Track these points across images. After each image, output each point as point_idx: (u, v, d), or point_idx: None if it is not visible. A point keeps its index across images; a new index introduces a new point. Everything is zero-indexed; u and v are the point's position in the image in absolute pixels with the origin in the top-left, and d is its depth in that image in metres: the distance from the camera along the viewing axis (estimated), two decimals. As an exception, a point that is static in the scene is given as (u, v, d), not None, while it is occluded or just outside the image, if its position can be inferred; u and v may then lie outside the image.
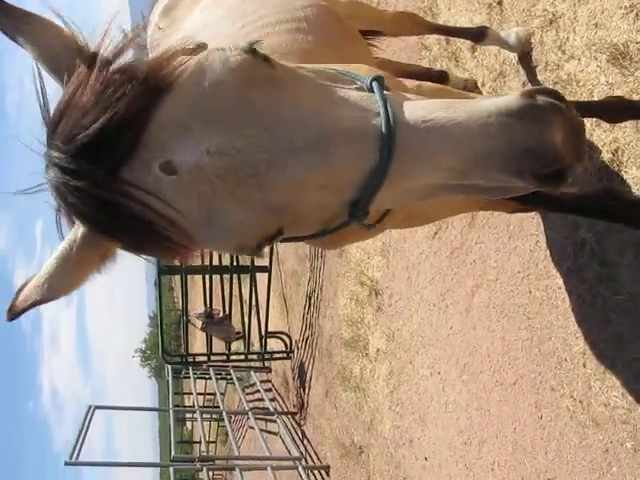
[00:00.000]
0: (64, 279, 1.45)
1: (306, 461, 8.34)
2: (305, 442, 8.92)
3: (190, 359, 11.97)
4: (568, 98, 3.43)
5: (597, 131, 3.31)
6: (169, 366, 11.78)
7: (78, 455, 7.47)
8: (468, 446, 4.61)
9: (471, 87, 4.32)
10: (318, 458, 8.30)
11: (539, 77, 3.74)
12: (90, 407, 8.76)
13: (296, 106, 1.33)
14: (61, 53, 1.43)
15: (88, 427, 8.25)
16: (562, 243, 3.55)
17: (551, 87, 1.39)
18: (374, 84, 1.45)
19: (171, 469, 7.76)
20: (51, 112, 1.36)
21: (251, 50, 1.36)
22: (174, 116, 1.29)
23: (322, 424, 8.16)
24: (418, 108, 1.36)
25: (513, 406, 4.07)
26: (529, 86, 3.78)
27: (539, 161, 1.29)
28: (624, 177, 3.15)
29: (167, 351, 11.21)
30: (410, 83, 2.49)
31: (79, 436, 7.83)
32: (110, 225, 1.35)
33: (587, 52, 3.36)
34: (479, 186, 1.39)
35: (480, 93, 4.24)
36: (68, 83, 1.37)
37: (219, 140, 1.28)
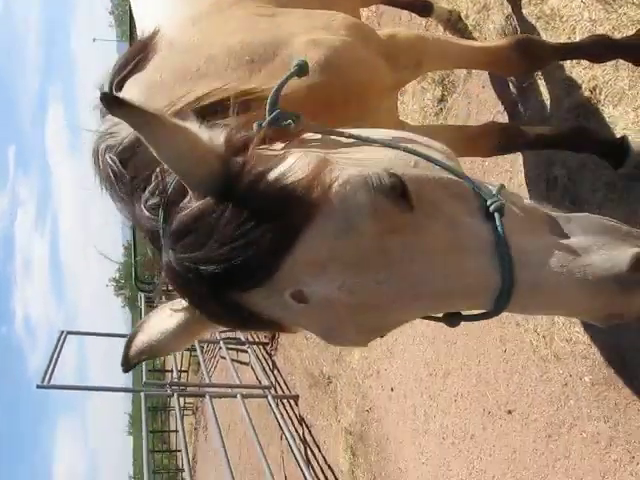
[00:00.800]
0: (174, 344, 1.68)
1: (275, 390, 8.48)
2: (275, 372, 9.06)
3: (164, 287, 12.00)
4: (550, 34, 3.46)
5: (576, 68, 3.29)
6: (142, 294, 11.84)
7: (50, 379, 7.53)
8: (433, 377, 4.71)
9: (455, 19, 4.27)
10: (287, 388, 8.45)
11: (523, 11, 3.69)
12: (62, 332, 8.82)
13: (427, 257, 1.35)
14: (192, 160, 1.38)
15: (60, 352, 8.31)
16: (535, 179, 3.56)
17: None
18: (497, 218, 1.41)
19: (142, 394, 7.84)
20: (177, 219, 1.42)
21: (392, 186, 1.35)
22: (312, 256, 1.32)
23: (292, 355, 8.28)
24: (535, 265, 1.37)
25: (478, 340, 4.14)
26: (513, 21, 3.75)
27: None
28: (601, 115, 3.15)
29: (140, 279, 11.22)
30: (383, 32, 2.39)
31: (51, 360, 7.90)
32: (228, 321, 1.51)
33: (572, -14, 3.32)
34: None
35: (465, 26, 4.19)
36: (203, 198, 1.38)
37: (352, 281, 1.32)
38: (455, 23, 4.27)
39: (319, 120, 1.64)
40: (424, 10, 4.28)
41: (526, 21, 3.66)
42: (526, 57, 2.81)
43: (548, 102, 3.46)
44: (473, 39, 4.07)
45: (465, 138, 2.93)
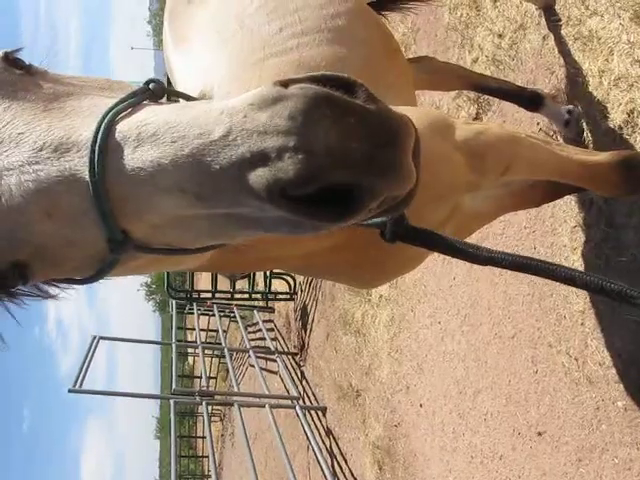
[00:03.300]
0: None
1: (304, 401, 8.49)
2: (304, 383, 9.08)
3: (194, 295, 12.10)
4: (587, 55, 3.44)
5: (614, 90, 3.27)
6: (173, 301, 11.94)
7: (82, 383, 7.62)
8: (463, 395, 4.69)
9: (576, 118, 3.51)
10: (316, 399, 8.45)
11: (561, 32, 3.68)
12: (95, 337, 8.92)
13: (26, 120, 1.15)
14: None
15: (92, 357, 8.40)
16: (570, 202, 3.54)
17: (338, 73, 1.05)
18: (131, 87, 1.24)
19: (171, 401, 7.89)
20: None
21: (5, 57, 1.24)
22: None
23: (321, 366, 8.28)
24: (142, 113, 1.11)
25: (510, 359, 4.12)
26: (550, 41, 3.74)
27: (281, 173, 0.96)
28: (638, 138, 3.13)
29: (172, 286, 11.29)
30: (466, 128, 2.13)
31: (83, 365, 7.98)
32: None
33: (610, 9, 3.30)
34: (248, 217, 1.08)
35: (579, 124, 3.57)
36: None
37: None
38: (575, 124, 3.51)
39: None
40: (531, 105, 3.60)
41: (563, 42, 3.65)
42: (629, 180, 2.53)
43: (585, 124, 3.44)
44: (578, 147, 3.01)
45: (511, 194, 2.71)
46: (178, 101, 1.35)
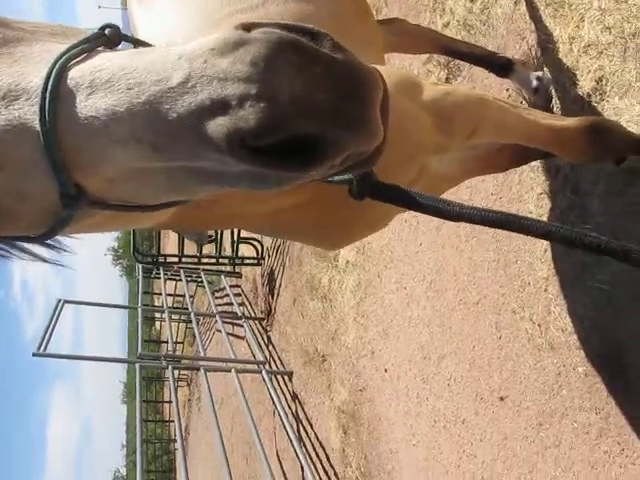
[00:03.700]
0: None
1: (270, 366, 8.52)
2: (270, 348, 9.10)
3: (161, 259, 12.03)
4: (558, 21, 3.42)
5: (583, 57, 3.25)
6: (140, 265, 11.86)
7: (46, 347, 7.57)
8: (427, 361, 4.73)
9: (545, 85, 3.50)
10: (282, 364, 8.49)
11: (532, -3, 3.66)
12: (60, 301, 8.84)
13: None
14: None
15: (57, 320, 8.34)
16: (537, 168, 3.54)
17: (303, 24, 0.99)
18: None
19: (137, 365, 7.87)
20: None
21: None
22: None
23: (288, 331, 8.31)
24: (96, 59, 1.04)
25: (474, 325, 4.15)
26: (522, 6, 3.71)
27: (242, 121, 0.91)
28: (605, 106, 3.13)
29: (139, 250, 11.21)
30: (433, 89, 2.09)
31: (47, 328, 7.93)
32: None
33: (582, -26, 3.28)
34: (209, 170, 1.02)
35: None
36: None
37: None
38: (544, 90, 3.48)
39: None
40: (501, 69, 3.57)
41: (534, 7, 3.62)
42: (597, 145, 2.50)
43: (554, 91, 3.44)
44: (548, 111, 3.28)
45: (477, 158, 2.70)
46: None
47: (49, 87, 1.00)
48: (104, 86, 0.99)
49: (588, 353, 3.19)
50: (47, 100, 1.00)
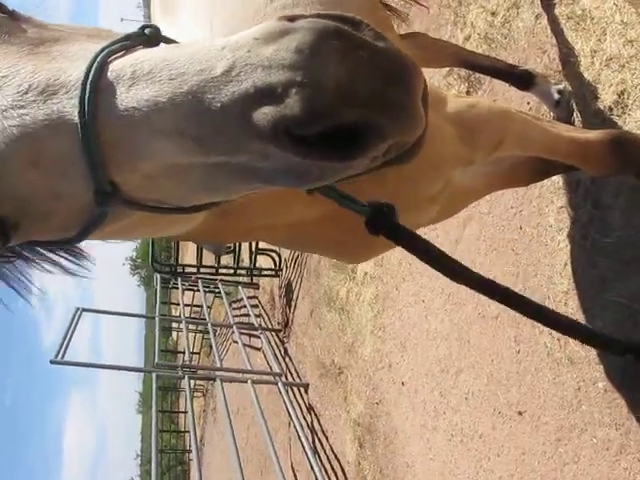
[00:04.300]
0: None
1: (286, 378, 8.50)
2: (287, 359, 9.09)
3: (179, 270, 12.07)
4: (580, 35, 3.41)
5: (605, 71, 3.25)
6: (158, 275, 11.90)
7: (64, 355, 7.60)
8: (445, 374, 4.70)
9: (566, 100, 3.48)
10: (298, 375, 8.47)
11: (554, 11, 3.65)
12: (78, 309, 8.88)
13: (10, 63, 1.06)
14: None
15: (75, 328, 8.37)
16: (557, 182, 3.53)
17: (340, 12, 0.99)
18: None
19: (154, 375, 7.89)
20: None
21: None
22: None
23: (305, 343, 8.30)
24: (137, 53, 1.04)
25: (492, 339, 4.12)
26: (543, 20, 3.71)
27: (287, 109, 0.89)
28: (627, 120, 3.11)
29: (157, 260, 11.28)
30: (457, 101, 2.09)
31: (65, 336, 7.96)
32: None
33: (605, -12, 3.27)
34: (247, 166, 1.00)
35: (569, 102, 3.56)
36: None
37: None
38: (566, 104, 3.46)
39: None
40: (522, 83, 3.54)
41: (556, 21, 3.62)
42: (620, 158, 2.48)
43: (575, 104, 3.42)
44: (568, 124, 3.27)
45: (500, 172, 2.71)
46: None
47: (90, 79, 0.99)
48: (146, 77, 0.97)
49: (608, 368, 3.15)
50: (87, 92, 0.98)
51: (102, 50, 1.03)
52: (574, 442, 3.34)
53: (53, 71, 1.03)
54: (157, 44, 1.13)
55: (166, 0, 2.55)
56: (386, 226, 1.44)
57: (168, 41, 1.17)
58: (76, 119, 0.99)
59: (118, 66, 1.01)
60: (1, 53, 1.08)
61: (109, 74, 1.00)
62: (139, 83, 0.97)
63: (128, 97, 0.97)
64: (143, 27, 1.14)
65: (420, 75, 0.99)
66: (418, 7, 3.73)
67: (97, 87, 0.99)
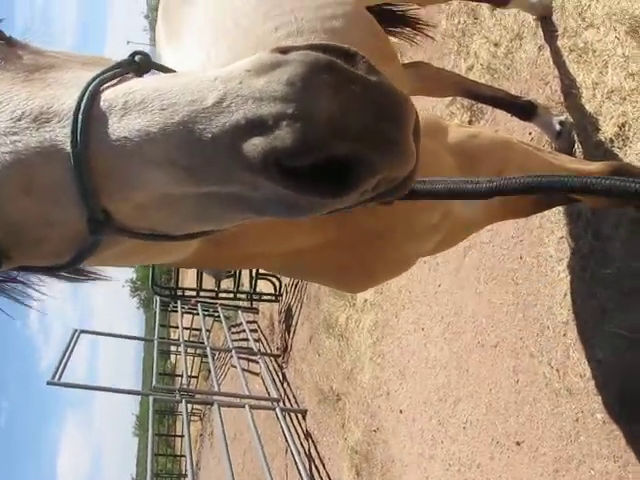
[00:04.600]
0: None
1: (284, 403, 8.47)
2: (285, 385, 9.05)
3: (179, 293, 12.06)
4: (582, 67, 3.44)
5: (607, 103, 3.27)
6: (158, 298, 11.89)
7: (61, 376, 7.57)
8: (443, 403, 4.68)
9: (567, 131, 3.52)
10: (296, 401, 8.43)
11: (556, 43, 3.69)
12: (76, 331, 8.87)
13: (4, 89, 1.07)
14: None
15: (72, 350, 8.35)
16: (558, 212, 3.54)
17: (338, 43, 1.00)
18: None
19: (151, 398, 7.86)
20: None
21: None
22: None
23: (303, 369, 8.26)
24: (129, 82, 1.05)
25: (491, 368, 4.11)
26: (546, 51, 3.75)
27: (278, 141, 0.90)
28: (628, 152, 3.14)
29: (157, 283, 11.26)
30: (458, 131, 2.10)
31: (62, 358, 7.94)
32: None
33: (607, 21, 3.31)
34: (238, 196, 1.00)
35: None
36: None
37: None
38: (567, 135, 3.49)
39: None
40: (524, 113, 3.58)
41: (558, 53, 3.66)
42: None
43: (576, 136, 3.45)
44: (571, 155, 3.32)
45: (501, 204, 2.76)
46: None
47: (82, 108, 0.99)
48: (137, 107, 0.98)
49: (607, 399, 3.14)
50: (79, 121, 0.99)
51: (94, 79, 1.04)
52: (572, 473, 3.31)
53: (47, 99, 1.04)
54: (147, 71, 1.14)
55: (170, 26, 2.57)
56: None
57: (159, 68, 1.19)
58: (68, 148, 0.99)
59: (110, 96, 1.01)
60: None
61: (101, 103, 1.01)
62: (131, 113, 0.98)
63: (120, 127, 0.98)
64: (134, 54, 1.15)
65: (412, 109, 0.99)
66: (422, 37, 3.75)
67: (89, 116, 1.00)
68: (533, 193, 1.32)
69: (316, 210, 0.99)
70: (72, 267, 1.21)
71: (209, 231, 1.22)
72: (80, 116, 0.99)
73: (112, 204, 1.05)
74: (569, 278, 3.46)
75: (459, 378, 4.49)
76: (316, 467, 7.25)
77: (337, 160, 0.92)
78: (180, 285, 12.46)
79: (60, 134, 1.01)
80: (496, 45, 4.27)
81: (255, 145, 0.91)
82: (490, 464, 4.04)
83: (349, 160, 0.92)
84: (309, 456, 7.51)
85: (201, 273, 10.92)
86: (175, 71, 1.21)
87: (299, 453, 6.74)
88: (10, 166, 1.02)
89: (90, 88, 1.02)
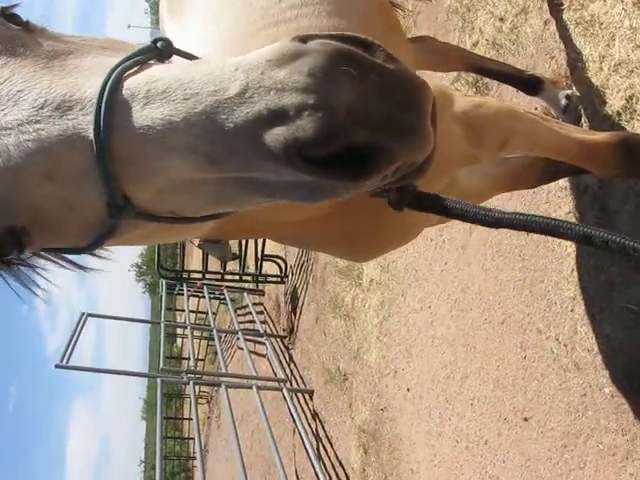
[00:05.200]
0: None
1: (291, 384, 8.50)
2: (292, 366, 9.09)
3: (185, 276, 12.08)
4: (589, 40, 3.41)
5: (614, 76, 3.24)
6: (164, 281, 11.90)
7: (68, 359, 7.60)
8: (450, 380, 4.69)
9: (574, 105, 3.49)
10: (303, 382, 8.46)
11: (563, 16, 3.65)
12: (83, 314, 8.89)
13: (25, 78, 1.08)
14: None
15: (80, 333, 8.38)
16: (565, 187, 3.52)
17: (356, 34, 1.01)
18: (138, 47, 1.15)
19: (158, 380, 7.88)
20: None
21: (1, 12, 1.18)
22: None
23: (310, 349, 8.29)
24: (151, 70, 1.06)
25: (499, 345, 4.11)
26: (551, 25, 3.72)
27: (300, 131, 0.91)
28: (635, 125, 3.11)
29: (163, 266, 11.27)
30: (465, 100, 2.10)
31: (70, 341, 7.96)
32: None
33: (613, -7, 3.27)
34: (260, 181, 1.02)
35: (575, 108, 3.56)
36: None
37: None
38: (574, 109, 3.46)
39: None
40: (530, 88, 3.55)
41: (564, 26, 3.63)
42: (627, 159, 2.49)
43: (583, 110, 3.42)
44: (577, 126, 3.25)
45: (507, 174, 2.73)
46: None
47: (104, 97, 1.01)
48: (160, 96, 0.99)
49: (615, 374, 3.14)
50: (102, 109, 1.00)
51: (116, 67, 1.05)
52: (580, 448, 3.32)
53: (69, 87, 1.05)
54: (169, 57, 1.16)
55: (174, 2, 2.56)
56: (410, 196, 1.44)
57: (180, 53, 1.19)
58: (91, 135, 1.01)
59: (133, 84, 1.03)
60: (17, 66, 1.10)
61: (124, 91, 1.02)
62: (154, 102, 1.00)
63: (143, 115, 1.00)
64: (155, 40, 1.16)
65: (430, 95, 1.00)
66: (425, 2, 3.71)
67: (112, 104, 1.01)
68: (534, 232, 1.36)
69: (338, 194, 1.00)
70: (92, 250, 1.24)
71: (227, 212, 1.24)
72: (103, 104, 1.00)
73: (132, 189, 1.07)
74: (576, 253, 3.45)
75: (466, 355, 4.50)
76: (324, 447, 7.30)
77: (357, 148, 0.93)
78: (186, 268, 12.50)
79: (83, 122, 1.02)
80: (501, 20, 4.23)
81: (277, 135, 0.92)
82: (498, 440, 4.05)
83: (368, 147, 0.94)
84: (316, 436, 7.55)
85: (207, 256, 10.92)
86: (197, 57, 1.21)
87: (307, 433, 6.78)
88: (34, 154, 1.03)
89: (113, 76, 1.03)
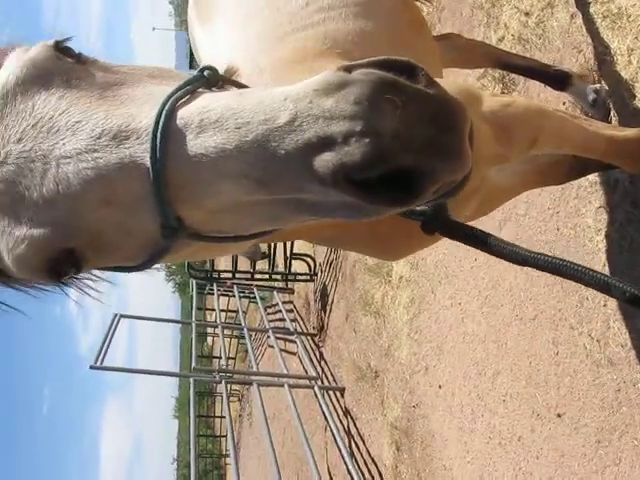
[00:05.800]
0: None
1: (322, 382, 8.51)
2: (322, 363, 9.10)
3: (215, 275, 12.15)
4: (616, 33, 3.38)
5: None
6: (194, 281, 11.97)
7: (102, 360, 7.70)
8: (482, 377, 4.68)
9: (603, 99, 3.43)
10: (334, 379, 8.48)
11: (589, 9, 3.63)
12: (116, 315, 9.00)
13: (82, 109, 1.15)
14: None
15: (113, 334, 8.48)
16: (595, 182, 3.50)
17: (400, 57, 1.05)
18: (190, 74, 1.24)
19: (191, 379, 7.96)
20: None
21: (56, 45, 1.24)
22: None
23: (340, 347, 8.30)
24: (202, 100, 1.12)
25: (530, 341, 4.10)
26: (578, 19, 3.69)
27: (348, 156, 0.96)
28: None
29: (193, 266, 11.36)
30: (493, 100, 2.11)
31: (104, 342, 8.06)
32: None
33: (641, -14, 3.25)
34: (307, 201, 1.08)
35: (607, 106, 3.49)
36: None
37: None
38: (602, 104, 3.41)
39: None
40: (558, 83, 3.52)
41: (591, 20, 3.60)
42: None
43: (612, 104, 3.40)
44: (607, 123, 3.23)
45: (536, 170, 2.74)
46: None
47: (160, 127, 1.08)
48: (213, 125, 1.05)
49: (649, 369, 3.12)
50: (158, 139, 1.07)
51: (169, 97, 1.12)
52: (614, 444, 3.30)
53: (124, 117, 1.13)
54: (216, 84, 1.23)
55: (202, 8, 2.60)
56: (440, 224, 1.50)
57: (226, 81, 1.28)
58: (148, 163, 1.08)
59: (186, 114, 1.09)
60: (73, 98, 1.16)
61: (178, 121, 1.09)
62: (207, 131, 1.06)
63: (197, 144, 1.06)
64: (202, 69, 1.23)
65: (467, 117, 1.05)
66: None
67: (167, 134, 1.08)
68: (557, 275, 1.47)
69: (382, 214, 1.06)
70: (145, 269, 1.31)
71: (274, 230, 1.31)
72: (159, 134, 1.07)
73: (185, 211, 1.13)
74: (608, 248, 3.43)
75: (498, 351, 4.49)
76: (356, 444, 7.31)
77: (401, 172, 0.99)
78: (215, 268, 12.55)
79: (139, 150, 1.09)
80: (527, 15, 4.21)
81: (326, 161, 0.98)
82: (531, 436, 4.04)
83: (413, 170, 0.99)
84: (348, 433, 7.56)
85: (236, 255, 10.97)
86: (245, 86, 1.30)
87: (338, 430, 6.79)
88: (92, 181, 1.11)
89: (167, 107, 1.10)
